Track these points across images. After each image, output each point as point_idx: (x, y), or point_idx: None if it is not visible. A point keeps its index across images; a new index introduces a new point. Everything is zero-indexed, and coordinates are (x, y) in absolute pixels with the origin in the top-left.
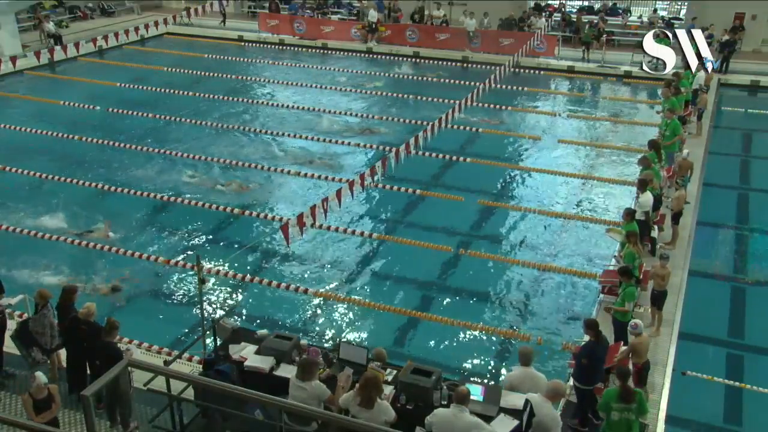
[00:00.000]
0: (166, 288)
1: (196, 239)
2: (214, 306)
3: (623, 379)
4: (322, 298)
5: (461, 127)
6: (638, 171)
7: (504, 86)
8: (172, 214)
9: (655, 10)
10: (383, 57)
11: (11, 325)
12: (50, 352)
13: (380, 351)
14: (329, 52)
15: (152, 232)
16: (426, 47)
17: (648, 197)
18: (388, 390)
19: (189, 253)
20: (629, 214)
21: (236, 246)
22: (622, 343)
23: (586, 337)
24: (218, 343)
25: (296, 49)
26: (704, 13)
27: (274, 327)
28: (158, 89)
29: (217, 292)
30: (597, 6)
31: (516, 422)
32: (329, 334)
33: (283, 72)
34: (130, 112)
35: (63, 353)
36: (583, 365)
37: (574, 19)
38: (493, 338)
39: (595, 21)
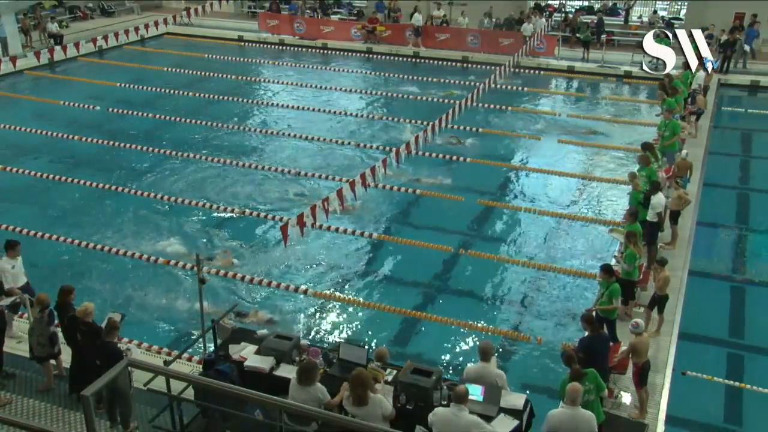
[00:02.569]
0: (166, 288)
1: (196, 239)
2: (214, 306)
3: (569, 362)
4: (322, 298)
5: (461, 127)
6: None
7: (504, 86)
8: (172, 214)
9: (655, 11)
10: (383, 57)
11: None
12: (35, 358)
13: (382, 350)
14: (329, 52)
15: (152, 232)
16: (426, 47)
17: (660, 198)
18: (380, 387)
19: (189, 253)
20: (632, 214)
21: (237, 246)
22: (621, 343)
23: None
24: (218, 343)
25: (296, 49)
26: (704, 13)
27: (274, 327)
28: (158, 89)
29: (218, 292)
30: (597, 6)
31: (516, 422)
32: (329, 334)
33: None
34: (130, 112)
35: (65, 355)
36: (580, 360)
37: (571, 18)
38: (493, 338)
39: (594, 21)
